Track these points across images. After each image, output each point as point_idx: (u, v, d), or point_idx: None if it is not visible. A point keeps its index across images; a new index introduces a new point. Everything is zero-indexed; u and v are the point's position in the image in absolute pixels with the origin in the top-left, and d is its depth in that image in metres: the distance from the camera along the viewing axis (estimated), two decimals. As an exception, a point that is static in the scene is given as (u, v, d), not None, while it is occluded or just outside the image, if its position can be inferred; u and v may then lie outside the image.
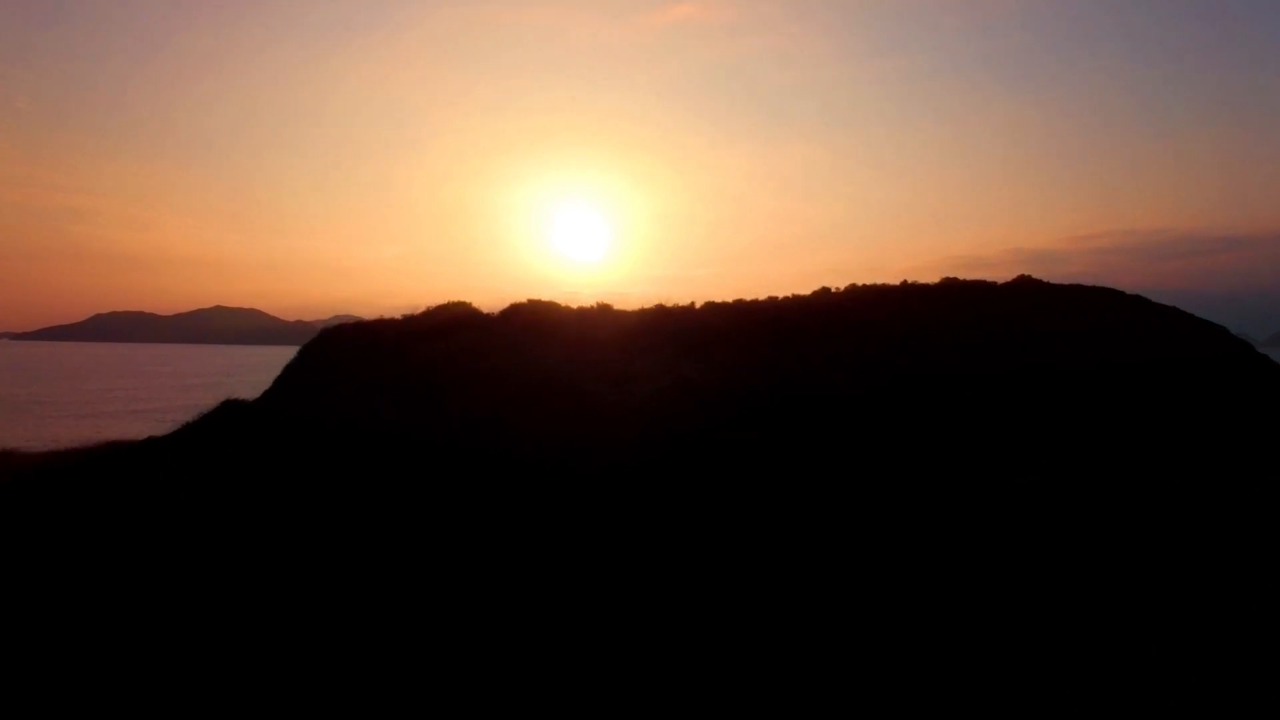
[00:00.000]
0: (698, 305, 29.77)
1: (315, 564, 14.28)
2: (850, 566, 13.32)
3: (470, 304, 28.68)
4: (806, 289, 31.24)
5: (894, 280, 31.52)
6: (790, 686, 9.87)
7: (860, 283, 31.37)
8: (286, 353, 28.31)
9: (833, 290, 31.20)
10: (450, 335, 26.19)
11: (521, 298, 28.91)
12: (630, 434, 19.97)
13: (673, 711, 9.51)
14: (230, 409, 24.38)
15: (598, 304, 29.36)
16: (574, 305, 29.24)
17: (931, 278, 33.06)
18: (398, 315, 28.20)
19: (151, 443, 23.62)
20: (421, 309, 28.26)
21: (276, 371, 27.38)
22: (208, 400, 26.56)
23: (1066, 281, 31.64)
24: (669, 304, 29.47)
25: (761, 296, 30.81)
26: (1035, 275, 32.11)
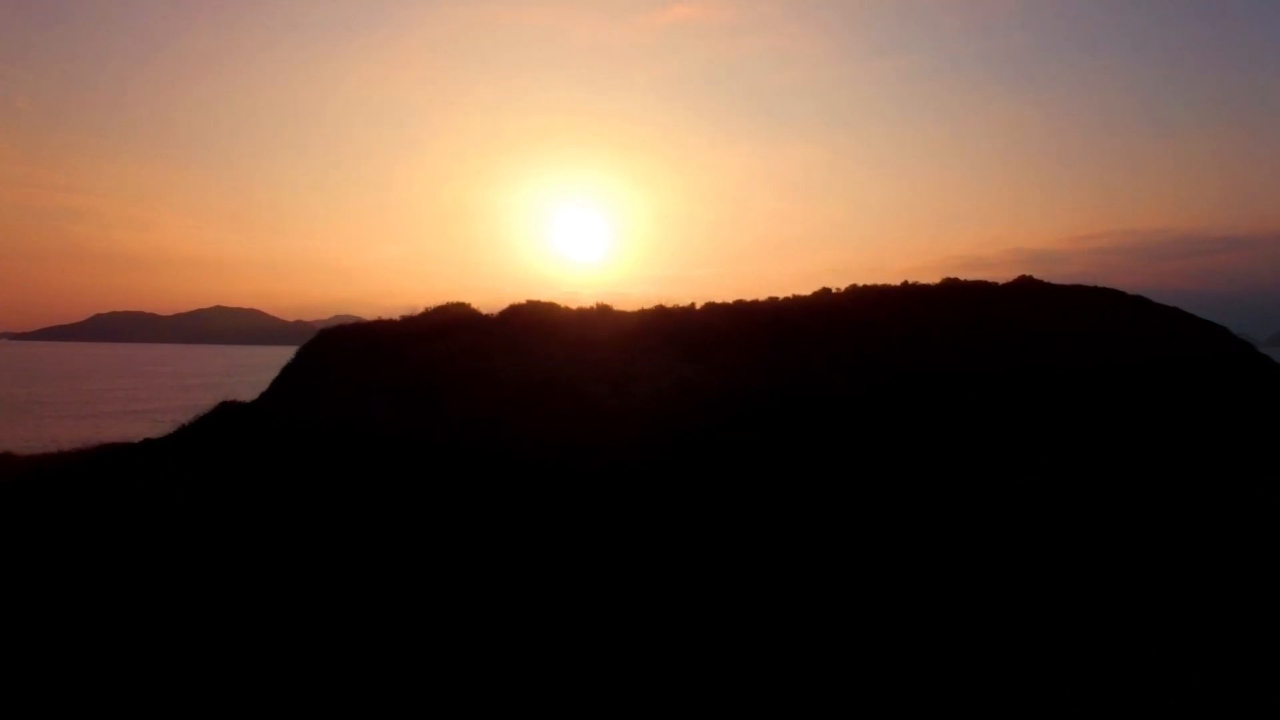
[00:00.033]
0: (698, 306, 29.74)
1: (314, 565, 14.27)
2: (850, 566, 13.31)
3: (469, 305, 28.63)
4: (807, 289, 31.22)
5: (894, 281, 31.51)
6: (790, 686, 9.86)
7: (861, 283, 31.35)
8: (286, 353, 28.28)
9: (833, 291, 31.17)
10: (449, 336, 26.16)
11: (521, 298, 28.89)
12: (630, 434, 19.96)
13: (673, 711, 9.49)
14: (227, 411, 24.35)
15: (597, 305, 29.33)
16: (574, 305, 29.21)
17: (932, 278, 33.06)
18: (396, 316, 28.17)
19: (148, 445, 23.56)
20: (420, 310, 28.22)
21: (276, 372, 27.35)
22: (207, 400, 26.53)
23: (1067, 282, 31.61)
24: (669, 304, 29.45)
25: (762, 297, 30.79)
26: (1035, 275, 32.06)
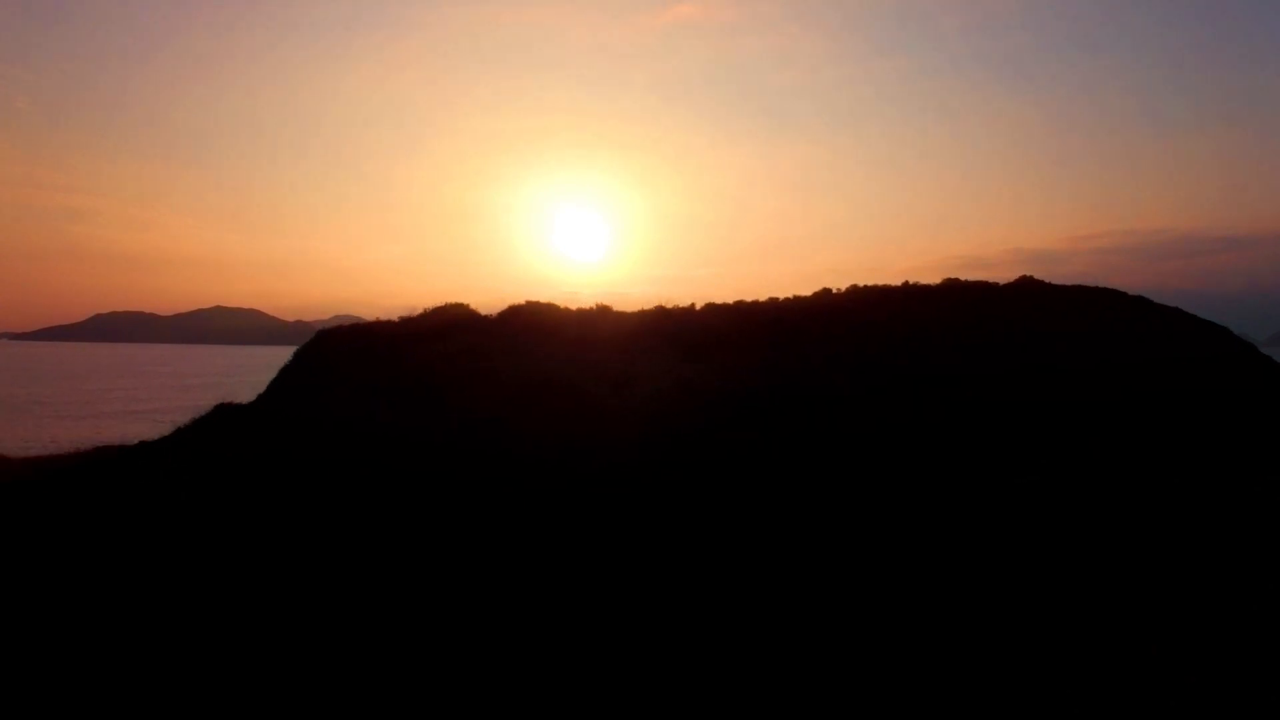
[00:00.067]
0: (698, 306, 29.70)
1: (313, 566, 14.26)
2: (850, 566, 13.30)
3: (468, 305, 28.58)
4: (807, 289, 31.20)
5: (895, 281, 31.50)
6: (790, 686, 9.85)
7: (861, 283, 31.33)
8: (287, 353, 28.25)
9: (833, 291, 31.15)
10: (448, 337, 26.14)
11: (522, 298, 28.83)
12: (630, 434, 19.95)
13: (673, 711, 9.48)
14: (224, 412, 24.27)
15: (597, 305, 29.29)
16: (574, 305, 29.17)
17: (932, 278, 33.04)
18: (395, 317, 28.13)
19: (143, 447, 23.47)
20: (419, 310, 28.17)
21: (276, 372, 27.31)
22: (208, 401, 26.50)
23: (1067, 282, 31.60)
24: (669, 305, 29.40)
25: (762, 297, 30.77)
26: (1035, 275, 32.06)
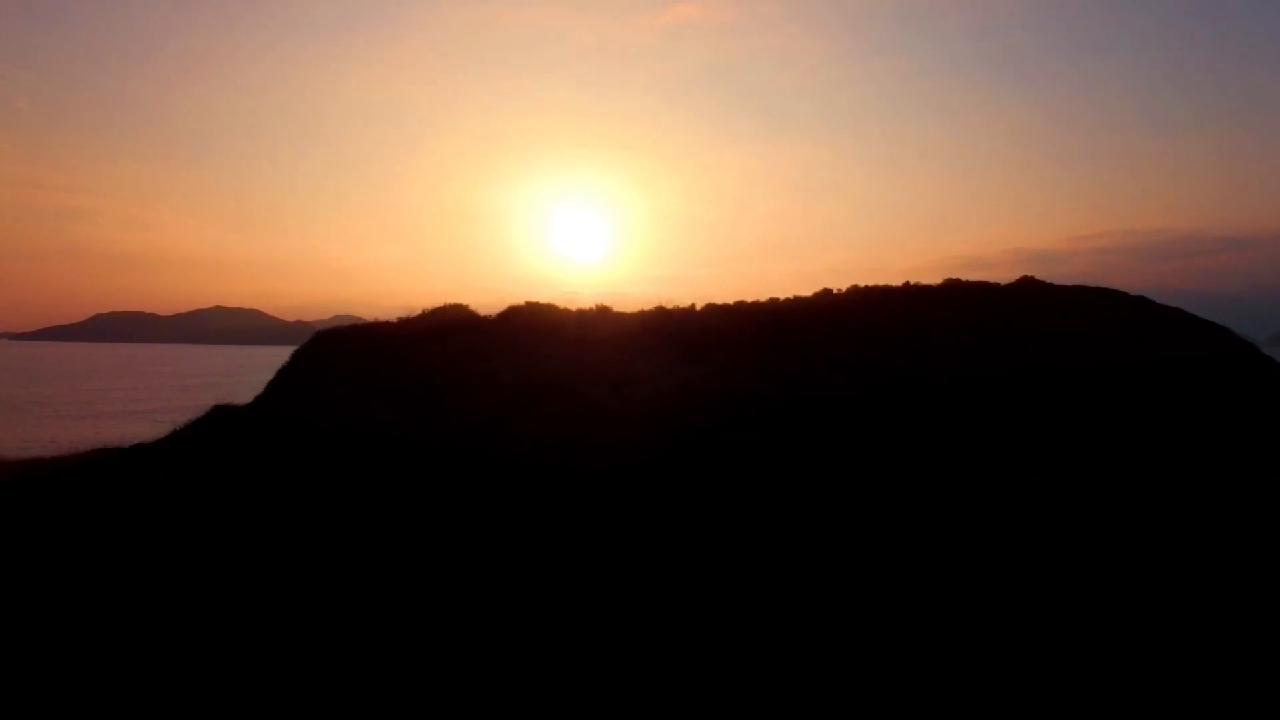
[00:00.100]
0: (698, 306, 29.68)
1: (313, 566, 14.26)
2: (850, 566, 13.30)
3: (467, 306, 28.57)
4: (808, 289, 31.20)
5: (896, 281, 31.51)
6: (790, 686, 9.85)
7: (862, 284, 31.34)
8: (286, 353, 28.22)
9: (834, 291, 31.16)
10: (448, 337, 26.13)
11: (522, 298, 28.82)
12: (630, 435, 19.95)
13: (673, 711, 9.48)
14: (221, 414, 24.19)
15: (597, 306, 29.27)
16: (574, 305, 29.15)
17: (932, 278, 33.04)
18: (394, 318, 28.12)
19: (139, 449, 23.42)
20: (419, 311, 28.18)
21: (276, 372, 27.28)
22: (208, 401, 26.46)
23: (1067, 282, 31.61)
24: (669, 305, 29.37)
25: (762, 297, 30.77)
26: (1036, 275, 32.07)
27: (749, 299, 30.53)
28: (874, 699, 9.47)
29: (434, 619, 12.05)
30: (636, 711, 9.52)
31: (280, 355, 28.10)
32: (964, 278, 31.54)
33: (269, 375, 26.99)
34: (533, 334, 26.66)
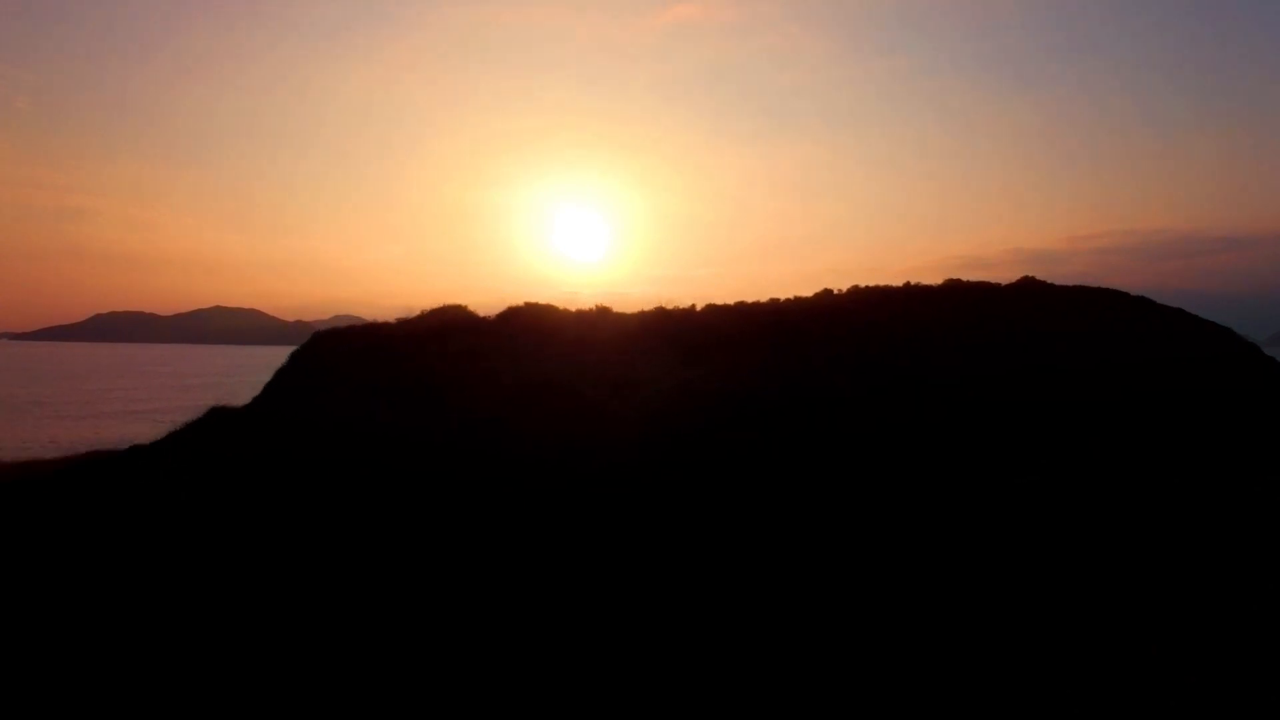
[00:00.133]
0: (698, 307, 29.68)
1: (313, 565, 14.25)
2: (851, 566, 13.29)
3: (466, 307, 28.55)
4: (808, 290, 31.22)
5: (896, 281, 31.52)
6: (790, 685, 9.84)
7: (862, 284, 31.35)
8: (286, 353, 28.21)
9: (835, 291, 31.16)
10: (447, 338, 26.12)
11: (522, 298, 28.82)
12: (630, 435, 19.94)
13: (673, 711, 9.47)
14: (219, 415, 24.13)
15: (597, 306, 29.26)
16: (574, 305, 29.16)
17: (932, 278, 33.04)
18: (393, 318, 28.12)
19: (135, 451, 23.38)
20: (418, 311, 28.17)
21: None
22: (208, 401, 26.44)
23: (1067, 282, 31.62)
24: (669, 305, 29.38)
25: (763, 298, 30.79)
26: (1036, 275, 32.06)
27: (749, 299, 30.57)
28: (874, 698, 9.46)
29: (434, 618, 12.04)
30: (636, 710, 9.51)
31: (280, 355, 28.09)
32: (964, 278, 31.56)
33: (269, 375, 26.98)
34: (532, 334, 26.65)
